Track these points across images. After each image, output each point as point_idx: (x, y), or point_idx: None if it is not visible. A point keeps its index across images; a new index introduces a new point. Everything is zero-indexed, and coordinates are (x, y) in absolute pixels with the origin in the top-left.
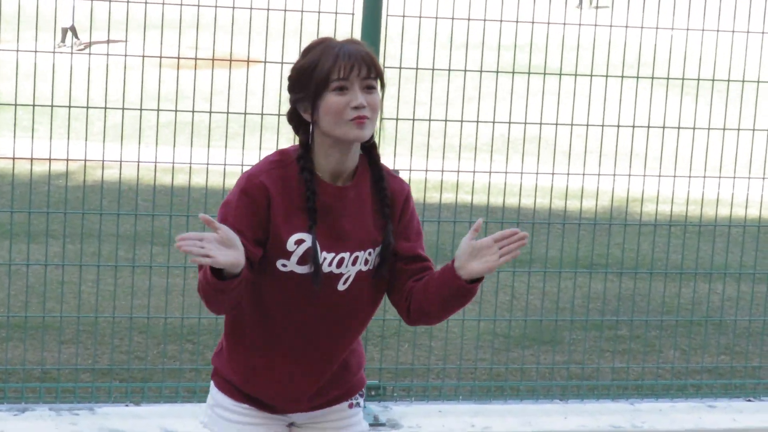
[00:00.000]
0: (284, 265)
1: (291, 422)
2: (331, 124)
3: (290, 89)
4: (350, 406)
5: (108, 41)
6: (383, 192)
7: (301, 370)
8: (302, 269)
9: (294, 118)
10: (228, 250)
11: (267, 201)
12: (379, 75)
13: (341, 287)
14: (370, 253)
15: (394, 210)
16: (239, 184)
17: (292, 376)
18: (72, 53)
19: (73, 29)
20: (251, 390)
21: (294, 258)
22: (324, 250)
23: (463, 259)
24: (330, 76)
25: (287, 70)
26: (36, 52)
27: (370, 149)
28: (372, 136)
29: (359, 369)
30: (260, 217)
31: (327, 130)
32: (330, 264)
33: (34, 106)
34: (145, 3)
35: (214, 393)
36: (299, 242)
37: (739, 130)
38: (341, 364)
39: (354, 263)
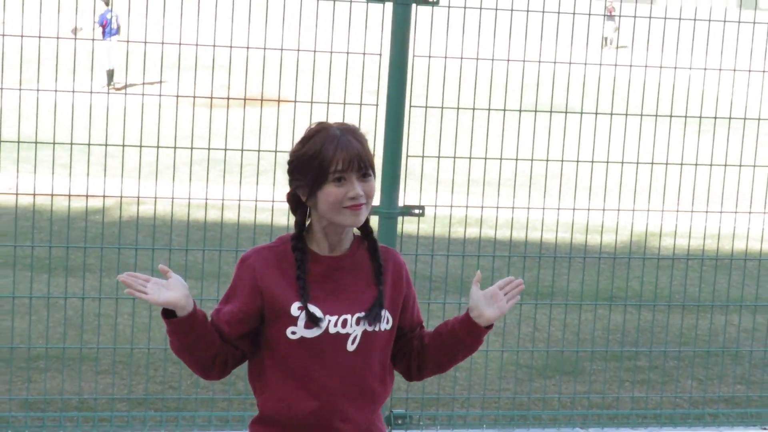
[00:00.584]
0: (294, 333)
1: None
2: (329, 212)
3: (290, 174)
4: None
5: (143, 83)
6: (377, 261)
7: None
8: (311, 333)
9: (293, 199)
10: (168, 291)
11: (254, 278)
12: (372, 166)
13: (350, 347)
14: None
15: (399, 282)
16: (240, 260)
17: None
18: (108, 93)
19: (113, 72)
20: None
21: (300, 323)
22: (327, 313)
23: (481, 308)
24: (329, 168)
25: (316, 109)
26: (73, 92)
27: (364, 223)
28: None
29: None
30: (249, 292)
31: (324, 215)
32: (335, 325)
33: (72, 144)
34: (179, 45)
35: None
36: (301, 308)
37: (755, 166)
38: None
39: (358, 323)
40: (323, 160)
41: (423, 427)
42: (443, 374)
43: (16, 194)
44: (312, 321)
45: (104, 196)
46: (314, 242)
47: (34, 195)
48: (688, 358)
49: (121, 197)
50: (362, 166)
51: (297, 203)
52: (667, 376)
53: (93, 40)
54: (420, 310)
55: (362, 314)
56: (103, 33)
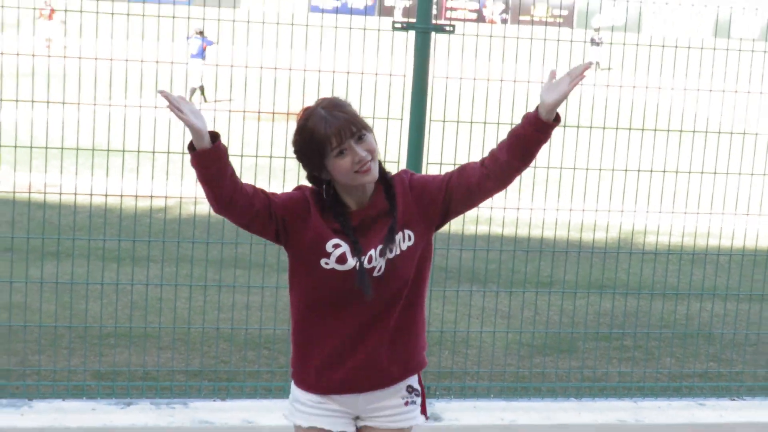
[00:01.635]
0: (326, 263)
1: (356, 416)
2: (345, 179)
3: (299, 161)
4: (406, 403)
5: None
6: (392, 197)
7: (363, 352)
8: (342, 267)
9: (313, 179)
10: (198, 119)
11: (307, 206)
12: (364, 126)
13: (376, 274)
14: (391, 245)
15: (406, 191)
16: (296, 188)
17: (358, 362)
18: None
19: (198, 89)
20: (321, 380)
21: (333, 258)
22: (354, 254)
23: (543, 97)
24: (328, 147)
25: None
26: (140, 107)
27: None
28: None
29: (421, 350)
30: (296, 210)
31: (343, 182)
32: (359, 264)
33: (138, 152)
34: (231, 67)
35: (293, 390)
36: (336, 246)
37: (727, 174)
38: (402, 343)
39: (381, 255)
40: (319, 141)
41: (439, 397)
42: (456, 352)
43: (91, 195)
44: (353, 254)
45: (166, 197)
46: (349, 198)
47: (106, 196)
48: (668, 338)
49: (181, 198)
50: (354, 131)
51: (317, 181)
52: (649, 354)
53: (171, 63)
54: (450, 173)
55: (381, 247)
56: (194, 55)
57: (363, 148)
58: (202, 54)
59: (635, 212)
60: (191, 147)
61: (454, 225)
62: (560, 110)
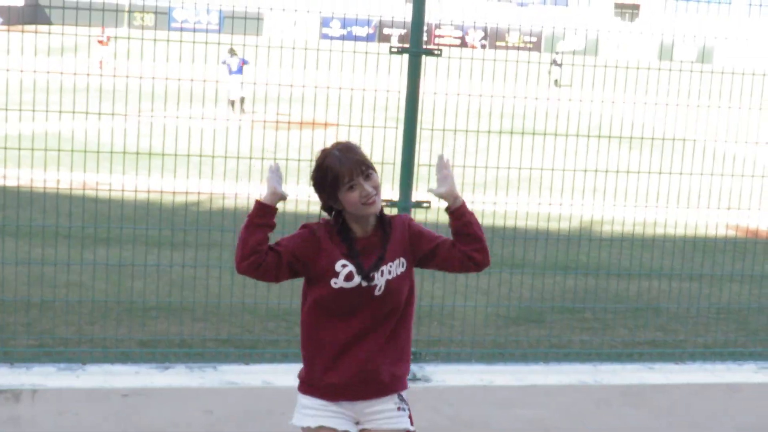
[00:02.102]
0: (335, 283)
1: (356, 420)
2: (354, 209)
3: (317, 192)
4: (398, 408)
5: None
6: (387, 230)
7: (360, 357)
8: (349, 284)
9: (327, 208)
10: (279, 190)
11: (316, 238)
12: (370, 166)
13: (377, 293)
14: (390, 266)
15: (402, 237)
16: (302, 225)
17: (358, 363)
18: (203, 118)
19: (234, 102)
20: (327, 383)
21: (341, 276)
22: (359, 273)
23: (437, 192)
24: (341, 182)
25: (353, 131)
26: (177, 117)
27: None
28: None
29: (406, 371)
30: (306, 245)
31: (353, 212)
32: (365, 280)
33: (176, 155)
34: (267, 84)
35: (300, 398)
36: (344, 266)
37: (671, 173)
38: (389, 355)
39: (381, 275)
40: (334, 177)
41: (429, 361)
42: (443, 322)
43: (135, 191)
44: (358, 273)
45: (199, 193)
46: (355, 227)
47: (149, 192)
48: (621, 312)
49: (212, 194)
50: (363, 170)
51: (330, 209)
52: (606, 324)
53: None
54: (444, 240)
55: (392, 276)
56: (230, 71)
57: (370, 185)
58: (240, 70)
59: (593, 205)
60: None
61: (443, 216)
62: (530, 120)
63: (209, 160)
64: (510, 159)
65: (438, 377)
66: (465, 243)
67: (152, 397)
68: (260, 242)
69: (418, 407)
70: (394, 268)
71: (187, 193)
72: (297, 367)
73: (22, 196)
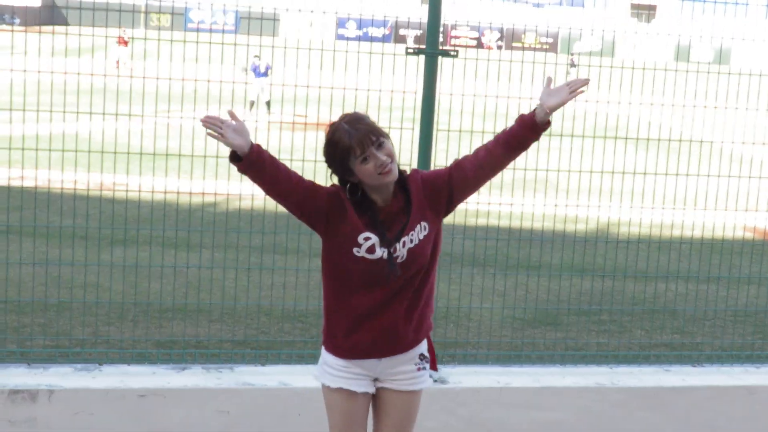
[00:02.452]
0: (358, 252)
1: (375, 377)
2: (371, 180)
3: (330, 168)
4: (418, 369)
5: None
6: (406, 192)
7: (383, 321)
8: (371, 256)
9: (342, 181)
10: (238, 136)
11: (342, 202)
12: (382, 134)
13: (399, 261)
14: (411, 234)
15: (418, 196)
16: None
17: (381, 326)
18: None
19: (254, 103)
20: (348, 345)
21: (363, 248)
22: (383, 245)
23: (543, 99)
24: (352, 155)
25: None
26: (194, 118)
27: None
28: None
29: (430, 314)
30: (334, 204)
31: (369, 183)
32: (388, 254)
33: (192, 156)
34: (283, 85)
35: (323, 353)
36: (367, 239)
37: (687, 175)
38: (416, 314)
39: (403, 246)
40: (345, 151)
41: (445, 363)
42: (459, 324)
43: (152, 192)
44: (381, 246)
45: (215, 194)
46: (377, 196)
47: (165, 193)
48: (638, 314)
49: (228, 195)
50: (374, 140)
51: (346, 182)
52: (623, 327)
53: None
54: (449, 168)
55: (413, 244)
56: (257, 74)
57: (383, 153)
58: (266, 74)
59: (610, 207)
60: (234, 157)
61: (459, 217)
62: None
63: (226, 161)
64: (527, 160)
65: (454, 379)
66: (511, 150)
67: (169, 398)
68: (274, 181)
69: (434, 409)
70: (416, 234)
71: (203, 194)
72: (313, 369)
73: (40, 197)
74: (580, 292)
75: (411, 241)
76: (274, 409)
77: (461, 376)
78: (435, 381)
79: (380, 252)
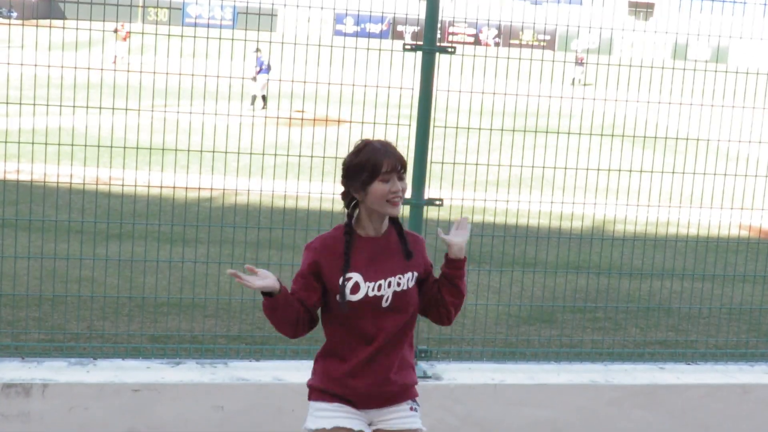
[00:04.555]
0: (339, 298)
1: (369, 422)
2: (376, 203)
3: (344, 177)
4: (411, 408)
5: (263, 107)
6: (405, 241)
7: (373, 366)
8: (355, 297)
9: (346, 196)
10: (262, 281)
11: (315, 257)
12: (405, 168)
13: (384, 305)
14: (400, 279)
15: (419, 252)
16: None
17: (368, 371)
18: (215, 113)
19: (255, 98)
20: (340, 390)
21: (347, 290)
22: (367, 280)
23: (448, 240)
24: (380, 170)
25: (367, 128)
26: (191, 113)
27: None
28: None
29: (414, 381)
30: (314, 266)
31: (372, 207)
32: (372, 290)
33: (189, 151)
34: (280, 81)
35: (312, 405)
36: (348, 279)
37: (683, 173)
38: (400, 370)
39: (389, 286)
40: (375, 164)
41: (440, 360)
42: (456, 320)
43: (148, 186)
44: (352, 289)
45: (211, 189)
46: (361, 228)
47: (161, 187)
48: (633, 311)
49: (224, 190)
50: (400, 168)
51: (350, 199)
52: (617, 324)
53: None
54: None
55: (400, 288)
56: (260, 71)
57: (401, 185)
58: (267, 70)
59: (606, 205)
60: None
61: (455, 215)
62: (544, 119)
63: (222, 156)
64: (523, 157)
65: (449, 376)
66: (450, 293)
67: (163, 393)
68: (286, 318)
69: (429, 406)
70: (405, 281)
71: (199, 189)
72: (308, 364)
73: (35, 191)
74: (575, 289)
75: (398, 284)
76: (269, 404)
77: (456, 373)
78: (427, 377)
79: (365, 289)
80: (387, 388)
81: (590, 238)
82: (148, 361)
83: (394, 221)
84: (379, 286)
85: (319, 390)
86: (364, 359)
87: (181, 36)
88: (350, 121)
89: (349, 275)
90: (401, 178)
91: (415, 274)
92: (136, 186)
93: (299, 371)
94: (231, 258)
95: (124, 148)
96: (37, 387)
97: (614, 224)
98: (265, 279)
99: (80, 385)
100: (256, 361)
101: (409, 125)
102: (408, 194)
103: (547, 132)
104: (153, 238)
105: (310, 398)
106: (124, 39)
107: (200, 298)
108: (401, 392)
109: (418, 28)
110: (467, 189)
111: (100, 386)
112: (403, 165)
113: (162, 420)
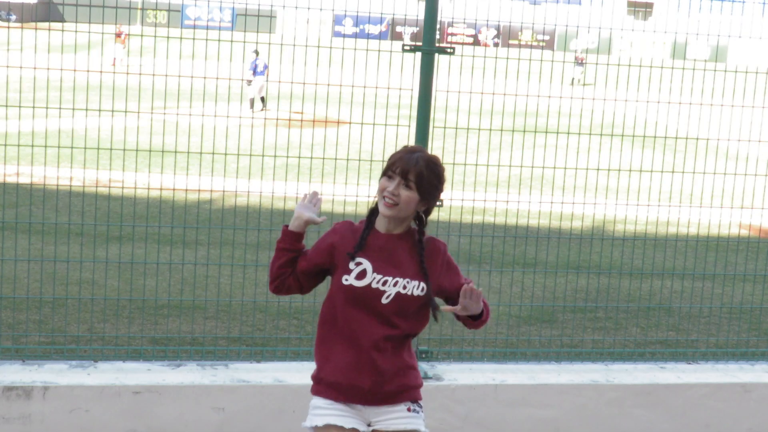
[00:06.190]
0: (346, 279)
1: (367, 422)
2: (377, 197)
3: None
4: (408, 409)
5: (262, 109)
6: (421, 252)
7: (361, 358)
8: (359, 283)
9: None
10: (310, 214)
11: (335, 239)
12: (416, 183)
13: (384, 301)
14: (408, 282)
15: (433, 265)
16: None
17: (357, 364)
18: (215, 115)
19: (254, 101)
20: (333, 378)
21: (353, 274)
22: (375, 271)
23: (464, 305)
24: (390, 166)
25: (366, 129)
26: (190, 115)
27: (420, 219)
28: (427, 213)
29: (416, 383)
30: (330, 247)
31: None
32: (377, 282)
33: (188, 153)
34: (279, 82)
35: (312, 400)
36: (358, 264)
37: (683, 172)
38: (398, 369)
39: (395, 285)
40: (392, 161)
41: (440, 360)
42: (455, 321)
43: (148, 188)
44: (359, 274)
45: (212, 191)
46: (379, 223)
47: (161, 189)
48: (633, 311)
49: (224, 192)
50: (408, 177)
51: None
52: (618, 324)
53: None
54: (462, 275)
55: (405, 291)
56: (254, 74)
57: (399, 190)
58: (263, 72)
59: (606, 204)
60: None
61: (455, 214)
62: (543, 119)
63: (222, 158)
64: (522, 157)
65: (450, 376)
66: (472, 324)
67: (164, 395)
68: (282, 266)
69: (430, 406)
70: (411, 287)
71: (199, 190)
72: (308, 365)
73: (35, 194)
74: (576, 289)
75: (404, 287)
76: (269, 406)
77: (457, 374)
78: (430, 378)
79: (370, 278)
80: (383, 388)
81: (590, 238)
82: (148, 363)
83: (420, 227)
84: (385, 282)
85: (316, 382)
86: (355, 346)
87: (180, 38)
88: (350, 122)
89: (359, 259)
90: (406, 186)
91: (423, 286)
92: (136, 188)
93: (300, 373)
94: (231, 260)
95: (124, 150)
96: (38, 389)
97: (614, 224)
98: (311, 214)
99: (81, 388)
100: (257, 363)
101: (409, 125)
102: None
103: (546, 132)
104: (153, 240)
105: (311, 391)
106: (123, 41)
107: (201, 300)
108: (398, 392)
109: (417, 29)
110: (467, 189)
111: (101, 388)
112: (417, 177)
113: (163, 422)
